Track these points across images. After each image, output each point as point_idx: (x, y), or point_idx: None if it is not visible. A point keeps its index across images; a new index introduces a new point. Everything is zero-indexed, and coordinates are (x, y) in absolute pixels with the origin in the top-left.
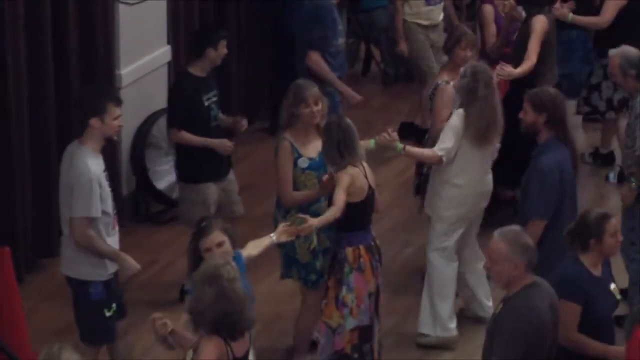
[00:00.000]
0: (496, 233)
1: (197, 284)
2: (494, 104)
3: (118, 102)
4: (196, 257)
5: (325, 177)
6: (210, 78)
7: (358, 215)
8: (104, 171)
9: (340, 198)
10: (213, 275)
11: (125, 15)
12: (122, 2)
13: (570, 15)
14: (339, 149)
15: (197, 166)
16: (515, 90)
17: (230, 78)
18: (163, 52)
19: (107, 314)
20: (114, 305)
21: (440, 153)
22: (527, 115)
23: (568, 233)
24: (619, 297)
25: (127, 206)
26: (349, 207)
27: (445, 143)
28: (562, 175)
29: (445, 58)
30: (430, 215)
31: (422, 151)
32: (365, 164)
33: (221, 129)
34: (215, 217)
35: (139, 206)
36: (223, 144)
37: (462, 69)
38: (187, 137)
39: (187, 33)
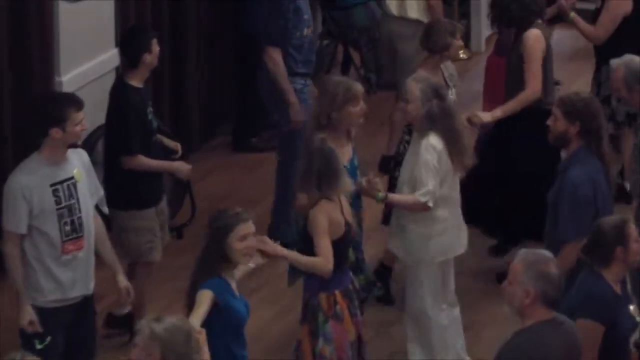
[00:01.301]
0: (522, 251)
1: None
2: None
3: (79, 105)
4: (218, 257)
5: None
6: (146, 88)
7: (334, 255)
8: (59, 183)
9: (324, 246)
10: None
11: (66, 13)
12: None
13: (572, 13)
14: (318, 179)
15: (143, 190)
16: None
17: (188, 87)
18: (111, 56)
19: (38, 346)
20: (48, 338)
21: (423, 199)
22: (558, 123)
23: (584, 250)
24: (638, 318)
25: None
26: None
27: (427, 185)
28: (596, 190)
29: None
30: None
31: (406, 199)
32: (342, 197)
33: (159, 145)
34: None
35: None
36: (183, 167)
37: (418, 91)
38: (146, 161)
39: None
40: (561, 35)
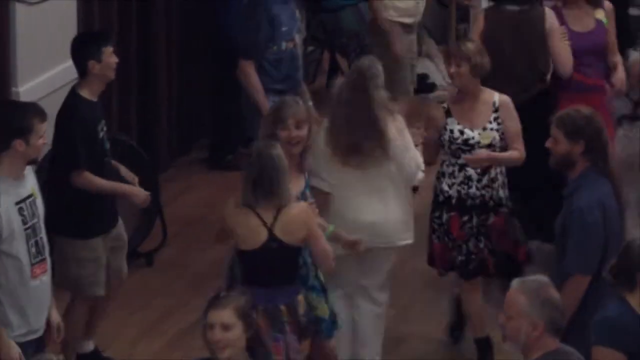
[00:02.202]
0: (515, 282)
1: None
2: None
3: (44, 116)
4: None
5: None
6: (100, 103)
7: (250, 267)
8: (23, 201)
9: None
10: None
11: (24, 18)
12: (20, 1)
13: None
14: (253, 188)
15: (92, 216)
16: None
17: (159, 100)
18: (71, 65)
19: None
20: None
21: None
22: (559, 145)
23: (610, 271)
24: None
25: None
26: (241, 254)
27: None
28: (605, 215)
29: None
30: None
31: None
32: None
33: (111, 168)
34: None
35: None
36: (140, 193)
37: None
38: (96, 180)
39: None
40: None
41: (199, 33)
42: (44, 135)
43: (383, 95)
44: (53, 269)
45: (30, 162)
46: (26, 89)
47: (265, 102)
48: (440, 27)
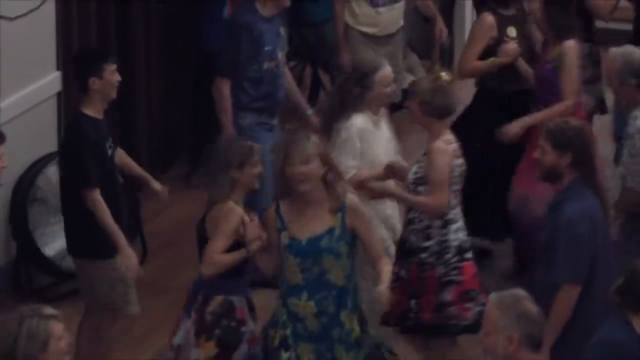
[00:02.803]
0: (492, 296)
1: None
2: None
3: (2, 139)
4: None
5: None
6: (105, 121)
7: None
8: None
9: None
10: None
11: (4, 33)
12: (1, 17)
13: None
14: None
15: (108, 235)
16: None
17: (138, 115)
18: (51, 81)
19: None
20: None
21: None
22: (547, 156)
23: (616, 292)
24: None
25: (6, 279)
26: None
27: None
28: (594, 227)
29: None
30: None
31: None
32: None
33: (119, 185)
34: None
35: (21, 279)
36: (131, 260)
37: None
38: (101, 209)
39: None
40: None
41: (179, 48)
42: (2, 158)
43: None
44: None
45: None
46: (4, 105)
47: (229, 121)
48: (424, 42)
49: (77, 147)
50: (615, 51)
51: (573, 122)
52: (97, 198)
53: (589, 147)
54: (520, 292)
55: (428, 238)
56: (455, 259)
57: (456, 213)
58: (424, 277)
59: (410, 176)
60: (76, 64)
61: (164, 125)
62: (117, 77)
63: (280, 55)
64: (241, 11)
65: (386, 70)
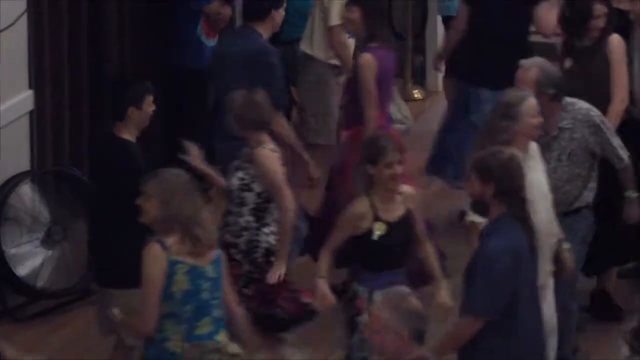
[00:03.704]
0: (377, 296)
1: None
2: None
3: None
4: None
5: None
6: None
7: None
8: None
9: None
10: None
11: None
12: None
13: None
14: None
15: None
16: None
17: None
18: (24, 99)
19: None
20: None
21: None
22: (473, 186)
23: (632, 333)
24: None
25: None
26: None
27: None
28: (517, 263)
29: None
30: None
31: None
32: None
33: None
34: None
35: None
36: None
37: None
38: None
39: (54, 74)
40: None
41: (151, 67)
42: None
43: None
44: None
45: None
46: None
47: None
48: (397, 60)
49: (135, 171)
50: (529, 62)
51: (500, 153)
52: None
53: (515, 178)
54: (403, 289)
55: (239, 236)
56: (262, 259)
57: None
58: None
59: (235, 182)
60: (117, 91)
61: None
62: (152, 108)
63: None
64: (262, 39)
65: (532, 101)
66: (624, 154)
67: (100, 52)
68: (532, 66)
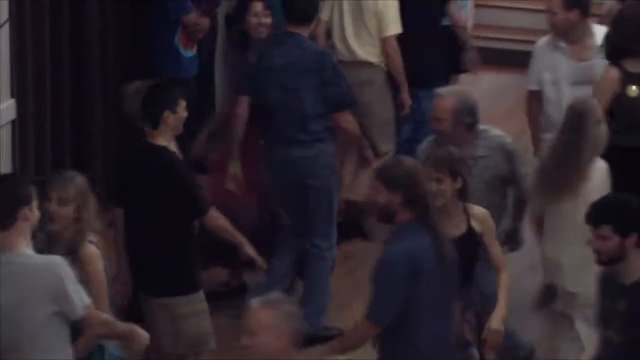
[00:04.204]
0: (255, 301)
1: None
2: None
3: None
4: None
5: None
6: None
7: None
8: None
9: None
10: None
11: None
12: None
13: None
14: None
15: (196, 266)
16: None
17: (92, 142)
18: (6, 108)
19: None
20: None
21: None
22: (380, 195)
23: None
24: None
25: None
26: None
27: None
28: (417, 269)
29: None
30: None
31: None
32: None
33: None
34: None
35: None
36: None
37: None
38: (227, 223)
39: (36, 83)
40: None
41: (136, 75)
42: None
43: (599, 133)
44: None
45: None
46: None
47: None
48: None
49: (180, 177)
50: (447, 91)
51: (405, 161)
52: (217, 215)
53: (420, 185)
54: (277, 294)
55: None
56: None
57: None
58: None
59: None
60: (151, 96)
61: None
62: (186, 113)
63: None
64: (312, 44)
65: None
66: (527, 186)
67: (82, 64)
68: (450, 95)
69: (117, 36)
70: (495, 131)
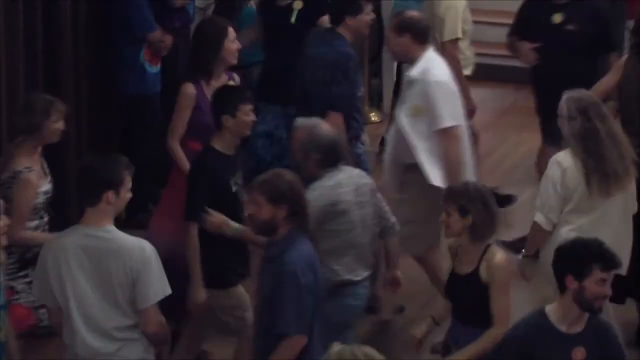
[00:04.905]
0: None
1: None
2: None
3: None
4: None
5: None
6: (238, 156)
7: None
8: None
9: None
10: None
11: None
12: None
13: None
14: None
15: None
16: None
17: (66, 154)
18: None
19: None
20: None
21: (535, 218)
22: (262, 209)
23: None
24: None
25: None
26: None
27: (545, 201)
28: (315, 277)
29: None
30: None
31: None
32: None
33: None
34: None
35: None
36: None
37: (564, 107)
38: (193, 246)
39: (10, 93)
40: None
41: (108, 89)
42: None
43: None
44: None
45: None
46: None
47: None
48: None
49: (195, 181)
50: (302, 122)
51: (286, 175)
52: (192, 233)
53: (303, 198)
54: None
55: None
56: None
57: None
58: None
59: None
60: (213, 100)
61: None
62: (251, 118)
63: None
64: (344, 44)
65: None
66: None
67: (55, 73)
68: (302, 127)
69: (90, 51)
70: (355, 172)
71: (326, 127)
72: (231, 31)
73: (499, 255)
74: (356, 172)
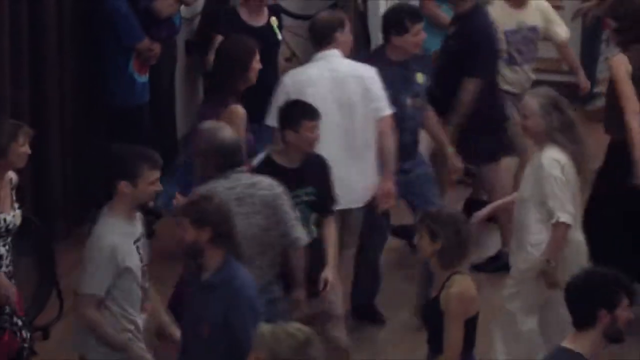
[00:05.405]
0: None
1: None
2: None
3: (155, 164)
4: None
5: None
6: (304, 169)
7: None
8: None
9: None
10: None
11: None
12: None
13: None
14: None
15: None
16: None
17: (51, 166)
18: None
19: None
20: None
21: (562, 219)
22: (188, 232)
23: None
24: None
25: None
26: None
27: (564, 204)
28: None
29: None
30: None
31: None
32: None
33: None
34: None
35: None
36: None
37: (537, 105)
38: None
39: None
40: None
41: (94, 100)
42: (157, 182)
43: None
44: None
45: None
46: None
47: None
48: None
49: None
50: (206, 125)
51: (211, 196)
52: None
53: (228, 220)
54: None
55: None
56: None
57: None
58: None
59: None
60: (278, 114)
61: (81, 178)
62: (315, 135)
63: (409, 100)
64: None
65: None
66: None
67: (40, 85)
68: (205, 130)
69: (77, 63)
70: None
71: (229, 131)
72: (256, 52)
73: (458, 285)
74: (251, 181)
